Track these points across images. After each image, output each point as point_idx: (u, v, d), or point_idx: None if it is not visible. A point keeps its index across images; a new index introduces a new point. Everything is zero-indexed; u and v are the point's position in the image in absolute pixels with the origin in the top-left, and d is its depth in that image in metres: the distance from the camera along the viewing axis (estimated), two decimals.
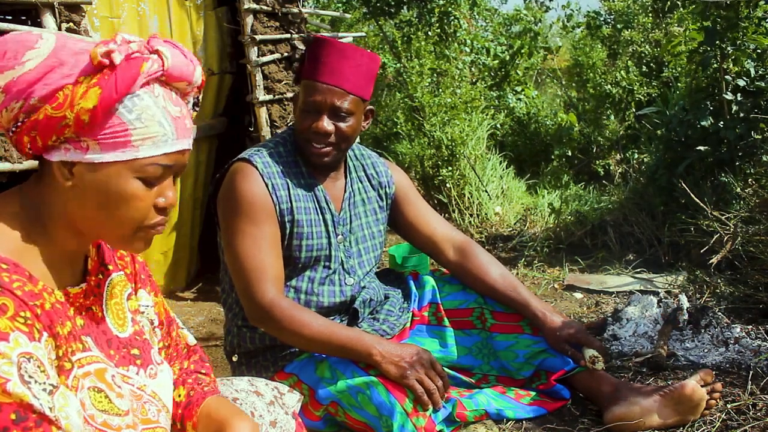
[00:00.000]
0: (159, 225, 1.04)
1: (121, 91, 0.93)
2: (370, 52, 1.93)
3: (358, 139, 2.17)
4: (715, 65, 3.24)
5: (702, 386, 1.82)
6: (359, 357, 1.76)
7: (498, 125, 5.91)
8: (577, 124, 5.68)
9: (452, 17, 5.66)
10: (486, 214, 4.48)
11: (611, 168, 5.57)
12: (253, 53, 3.38)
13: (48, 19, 2.65)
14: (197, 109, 1.08)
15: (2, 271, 0.91)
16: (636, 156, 5.22)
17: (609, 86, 5.62)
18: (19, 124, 0.95)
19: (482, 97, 5.37)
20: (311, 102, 1.84)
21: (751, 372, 2.06)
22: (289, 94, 3.46)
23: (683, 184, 3.07)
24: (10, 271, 0.91)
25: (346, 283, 1.97)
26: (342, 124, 1.86)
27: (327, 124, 1.84)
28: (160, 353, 1.22)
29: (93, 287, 1.09)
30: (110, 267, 1.14)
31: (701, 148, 3.23)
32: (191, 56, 1.02)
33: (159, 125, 0.97)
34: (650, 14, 5.99)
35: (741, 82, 3.18)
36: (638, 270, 3.28)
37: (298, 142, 1.93)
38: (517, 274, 3.42)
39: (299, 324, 1.75)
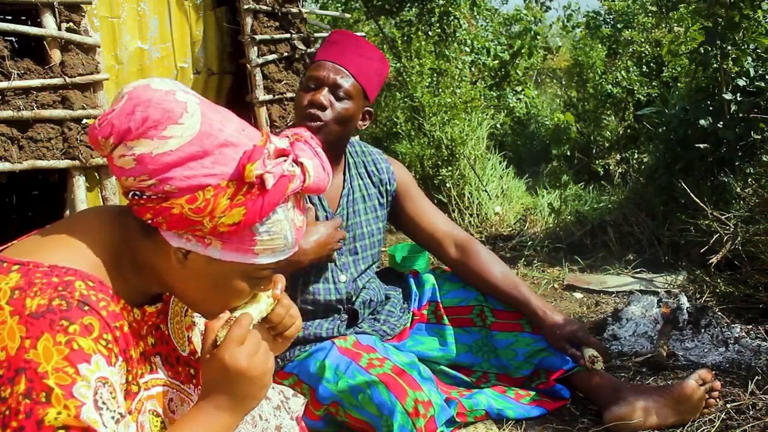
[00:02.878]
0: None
1: (265, 214, 0.92)
2: (383, 55, 1.95)
3: (358, 138, 2.16)
4: (715, 65, 3.24)
5: (701, 386, 1.82)
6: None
7: (498, 125, 5.91)
8: (574, 124, 5.69)
9: (452, 17, 5.66)
10: (486, 213, 4.47)
11: (611, 168, 5.57)
12: (253, 53, 3.38)
13: (48, 19, 2.65)
14: None
15: (89, 288, 0.88)
16: (636, 156, 5.22)
17: (609, 86, 5.63)
18: (145, 197, 0.91)
19: (482, 97, 5.37)
20: (314, 76, 1.86)
21: (751, 372, 2.06)
22: (289, 94, 3.46)
23: (683, 184, 3.07)
24: (96, 289, 0.89)
25: (339, 281, 1.97)
26: (338, 104, 1.86)
27: (324, 96, 1.84)
28: None
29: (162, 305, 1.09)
30: None
31: (701, 146, 3.23)
32: (329, 167, 0.99)
33: (284, 239, 0.96)
34: (650, 14, 6.00)
35: (741, 82, 3.18)
36: (638, 270, 3.28)
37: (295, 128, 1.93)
38: (517, 273, 3.42)
39: None
